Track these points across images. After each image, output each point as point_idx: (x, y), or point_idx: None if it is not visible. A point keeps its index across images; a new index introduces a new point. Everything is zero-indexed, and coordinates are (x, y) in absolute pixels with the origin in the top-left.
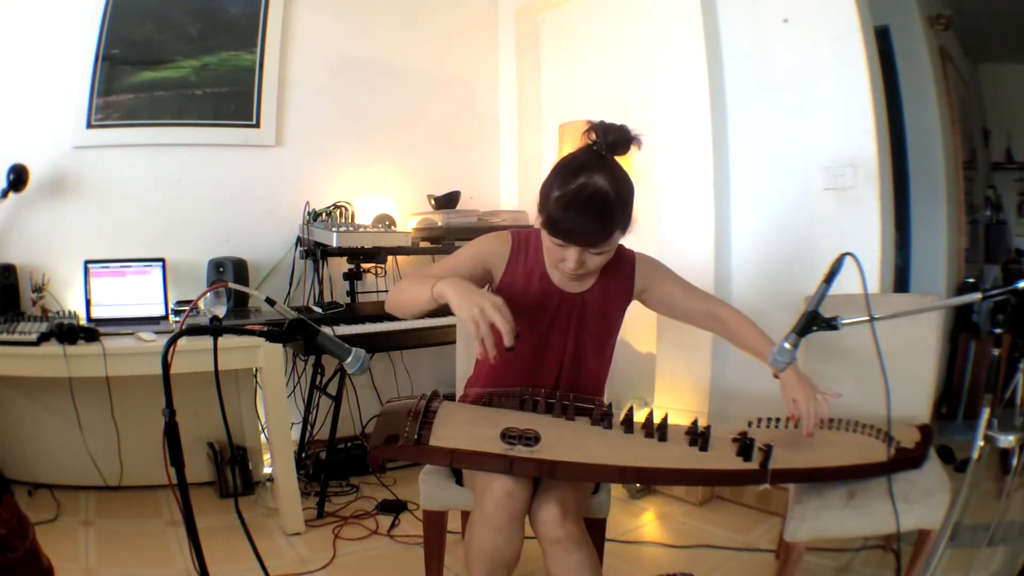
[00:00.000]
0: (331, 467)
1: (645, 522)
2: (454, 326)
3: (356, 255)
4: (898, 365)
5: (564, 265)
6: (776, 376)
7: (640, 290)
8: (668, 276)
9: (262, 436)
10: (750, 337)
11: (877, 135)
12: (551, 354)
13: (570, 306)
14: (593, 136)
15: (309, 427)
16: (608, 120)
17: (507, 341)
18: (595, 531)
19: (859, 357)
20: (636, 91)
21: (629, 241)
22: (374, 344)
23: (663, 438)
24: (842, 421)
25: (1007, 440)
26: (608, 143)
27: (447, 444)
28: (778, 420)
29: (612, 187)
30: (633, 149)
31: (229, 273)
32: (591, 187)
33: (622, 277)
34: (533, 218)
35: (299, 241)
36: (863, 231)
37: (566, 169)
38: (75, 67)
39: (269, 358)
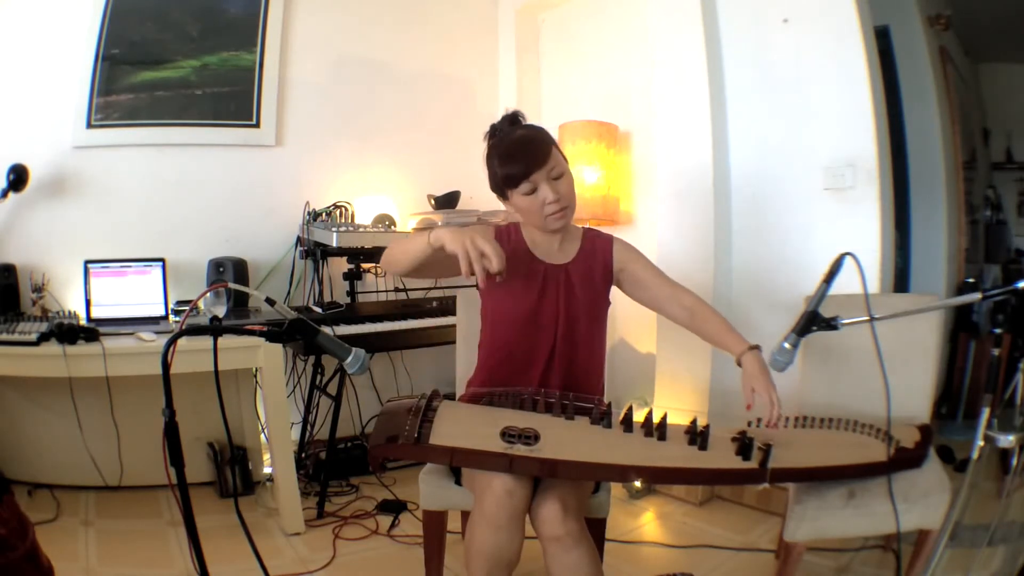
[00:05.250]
0: (331, 467)
1: (645, 522)
2: (454, 326)
3: (356, 255)
4: (898, 365)
5: (548, 206)
6: (739, 364)
7: (619, 269)
8: (642, 259)
9: (262, 436)
10: (714, 325)
11: (877, 135)
12: (545, 321)
13: (556, 275)
14: (494, 127)
15: (309, 427)
16: (605, 120)
17: (496, 266)
18: (595, 531)
19: (859, 357)
20: (636, 91)
21: (628, 239)
22: (374, 344)
23: (662, 437)
24: (842, 421)
25: (1007, 440)
26: (509, 119)
27: (447, 443)
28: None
29: (526, 126)
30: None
31: (229, 273)
32: (506, 138)
33: (601, 254)
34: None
35: (299, 241)
36: (863, 231)
37: (492, 147)
38: (75, 67)
39: (269, 358)
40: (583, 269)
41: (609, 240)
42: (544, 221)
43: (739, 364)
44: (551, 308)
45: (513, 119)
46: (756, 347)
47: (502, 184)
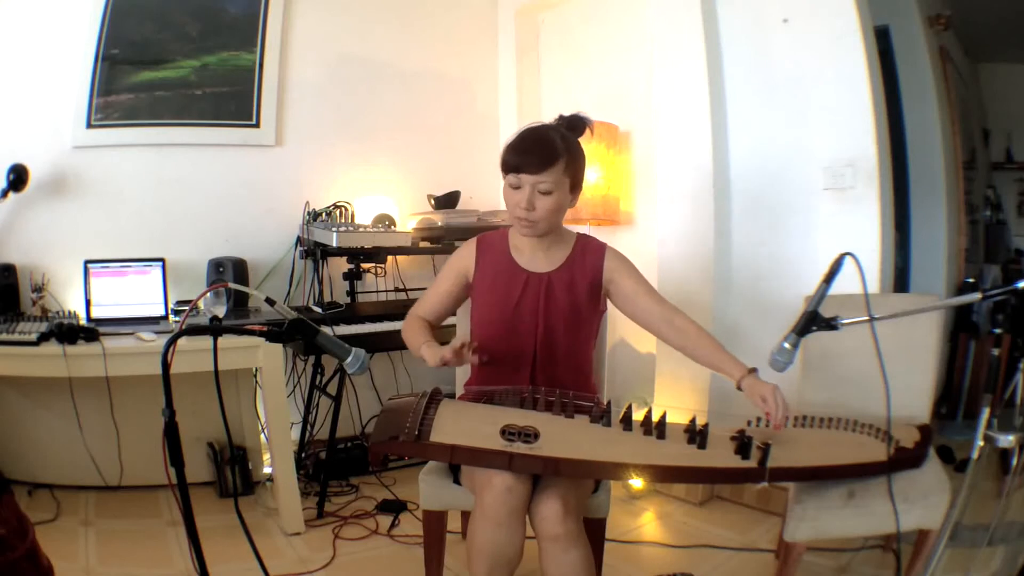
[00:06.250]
0: (331, 467)
1: (645, 522)
2: (454, 326)
3: (356, 255)
4: (898, 365)
5: (518, 208)
6: (739, 387)
7: (607, 280)
8: (634, 274)
9: (262, 436)
10: (708, 348)
11: (877, 135)
12: (524, 329)
13: (537, 283)
14: (559, 117)
15: (309, 427)
16: (605, 120)
17: (450, 352)
18: (595, 531)
19: (859, 357)
20: (636, 91)
21: (628, 239)
22: (374, 344)
23: (661, 435)
24: (842, 421)
25: (1007, 440)
26: (567, 122)
27: (447, 440)
28: None
29: (558, 134)
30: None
31: (229, 273)
32: (535, 128)
33: (590, 263)
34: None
35: (299, 241)
36: (863, 231)
37: (521, 128)
38: (75, 67)
39: (269, 358)
40: (567, 277)
41: (602, 249)
42: (512, 220)
43: (739, 388)
44: (529, 316)
45: (571, 123)
46: (754, 369)
47: (501, 164)
